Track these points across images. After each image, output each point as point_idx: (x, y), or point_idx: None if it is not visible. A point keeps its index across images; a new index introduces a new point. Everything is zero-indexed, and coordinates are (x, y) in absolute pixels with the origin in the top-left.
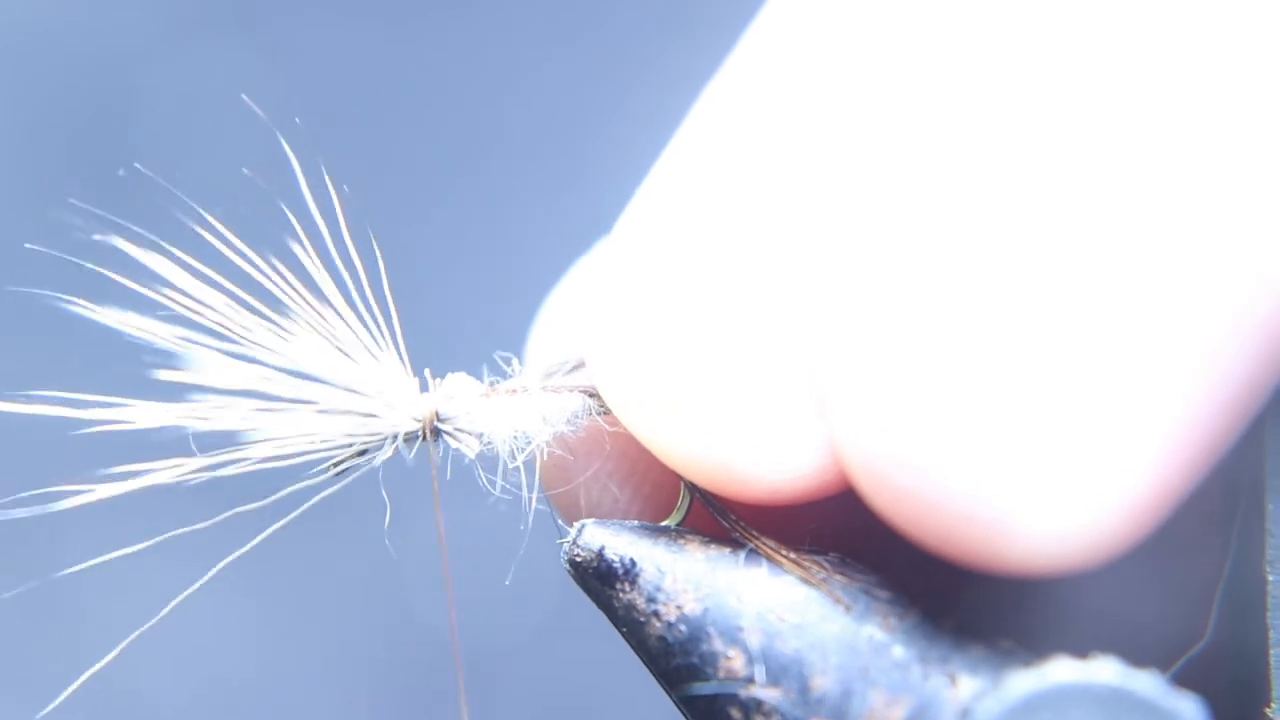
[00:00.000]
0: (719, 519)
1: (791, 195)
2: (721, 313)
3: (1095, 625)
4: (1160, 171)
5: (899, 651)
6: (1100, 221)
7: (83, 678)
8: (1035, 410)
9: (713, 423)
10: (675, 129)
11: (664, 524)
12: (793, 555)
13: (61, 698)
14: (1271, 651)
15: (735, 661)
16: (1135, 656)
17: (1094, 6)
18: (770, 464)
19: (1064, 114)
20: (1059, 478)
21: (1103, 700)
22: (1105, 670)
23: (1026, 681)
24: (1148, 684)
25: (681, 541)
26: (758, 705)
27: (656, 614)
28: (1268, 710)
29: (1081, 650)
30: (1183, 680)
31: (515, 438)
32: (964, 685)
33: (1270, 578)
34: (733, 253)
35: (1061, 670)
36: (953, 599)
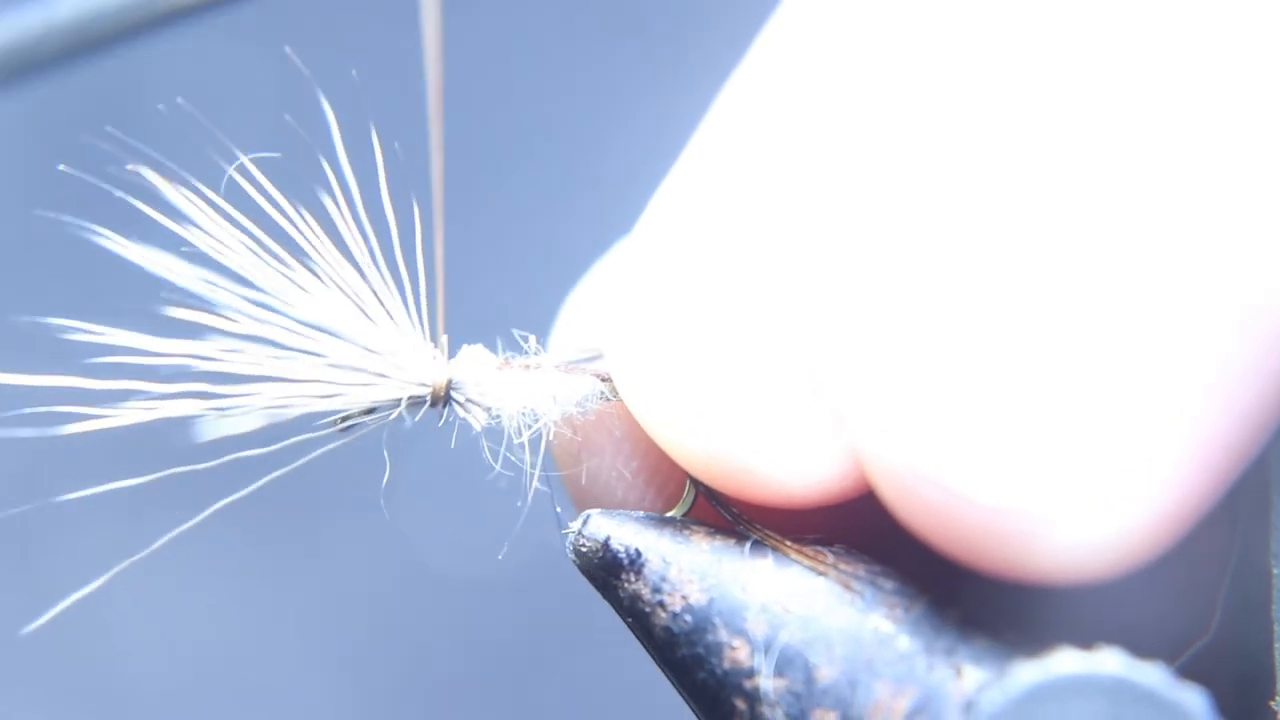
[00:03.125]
0: (722, 513)
1: (814, 195)
2: (742, 317)
3: (1100, 618)
4: (1177, 186)
5: (904, 642)
6: (1121, 237)
7: (62, 605)
8: (1061, 422)
9: (730, 426)
10: (700, 123)
11: (669, 514)
12: (799, 546)
13: (41, 621)
14: (1276, 645)
15: (740, 652)
16: (1141, 650)
17: (1112, 12)
18: (787, 470)
19: (1087, 138)
20: (1086, 490)
21: (1107, 691)
22: (1110, 661)
23: (1031, 673)
24: (1153, 675)
25: (687, 532)
26: (763, 696)
27: (662, 604)
28: (1272, 703)
29: (1086, 642)
30: (1188, 673)
31: (524, 414)
32: (969, 676)
33: (1275, 571)
34: (753, 258)
35: (1066, 661)
36: (958, 591)
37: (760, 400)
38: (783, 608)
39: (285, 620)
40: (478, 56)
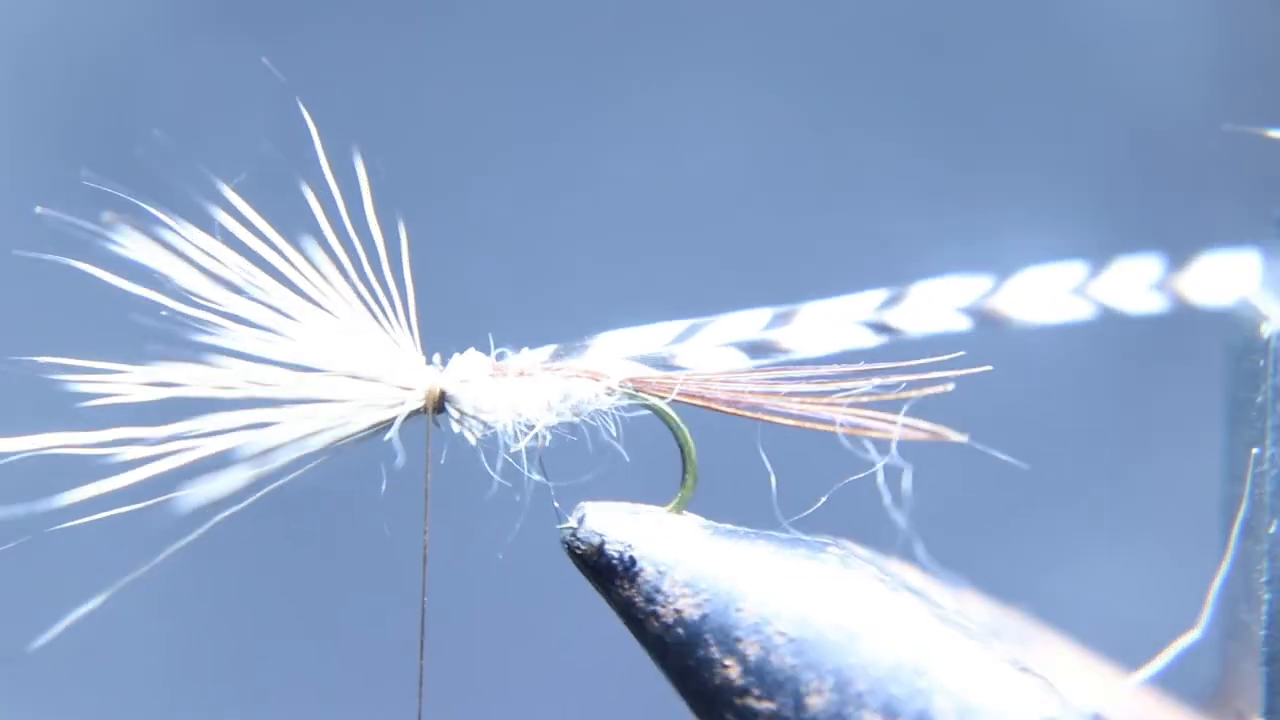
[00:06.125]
0: None
1: None
2: None
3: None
4: None
5: None
6: None
7: (71, 617)
8: None
9: None
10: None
11: (666, 508)
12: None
13: (51, 634)
14: (1261, 669)
15: (731, 670)
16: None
17: None
18: None
19: None
20: None
21: None
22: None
23: None
24: None
25: (685, 535)
26: (753, 715)
27: (654, 615)
28: None
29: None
30: (1174, 676)
31: (519, 419)
32: None
33: (1265, 597)
34: None
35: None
36: None
37: None
38: (775, 630)
39: (283, 620)
40: (478, 55)
